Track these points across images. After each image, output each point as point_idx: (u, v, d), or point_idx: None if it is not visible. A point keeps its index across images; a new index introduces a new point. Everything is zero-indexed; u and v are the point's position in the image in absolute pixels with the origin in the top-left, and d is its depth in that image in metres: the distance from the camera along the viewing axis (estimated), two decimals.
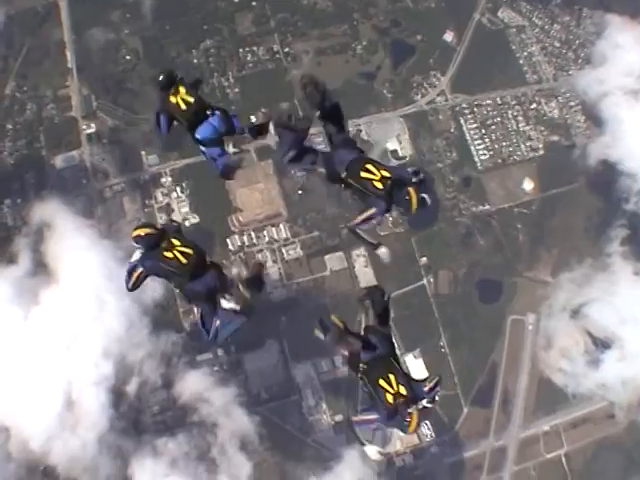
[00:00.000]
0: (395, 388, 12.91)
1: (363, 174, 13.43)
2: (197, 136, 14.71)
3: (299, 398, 45.89)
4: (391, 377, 12.99)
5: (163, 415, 44.55)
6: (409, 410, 12.84)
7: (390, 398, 12.84)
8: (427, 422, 44.82)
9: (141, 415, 44.05)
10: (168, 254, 13.73)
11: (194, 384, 43.89)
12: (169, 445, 43.03)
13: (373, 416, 13.45)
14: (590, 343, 48.68)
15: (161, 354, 43.61)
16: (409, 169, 13.72)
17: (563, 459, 47.37)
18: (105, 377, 41.98)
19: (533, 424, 47.77)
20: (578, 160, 51.21)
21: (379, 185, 13.29)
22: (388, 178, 13.32)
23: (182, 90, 14.69)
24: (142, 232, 13.81)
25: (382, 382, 13.01)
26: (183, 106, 14.68)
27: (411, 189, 13.21)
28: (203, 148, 14.97)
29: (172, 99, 14.70)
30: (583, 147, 51.60)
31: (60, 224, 43.87)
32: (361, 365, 13.50)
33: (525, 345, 48.73)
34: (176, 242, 13.85)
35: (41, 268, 42.89)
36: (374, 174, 13.41)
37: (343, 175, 13.74)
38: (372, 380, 13.21)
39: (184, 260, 13.73)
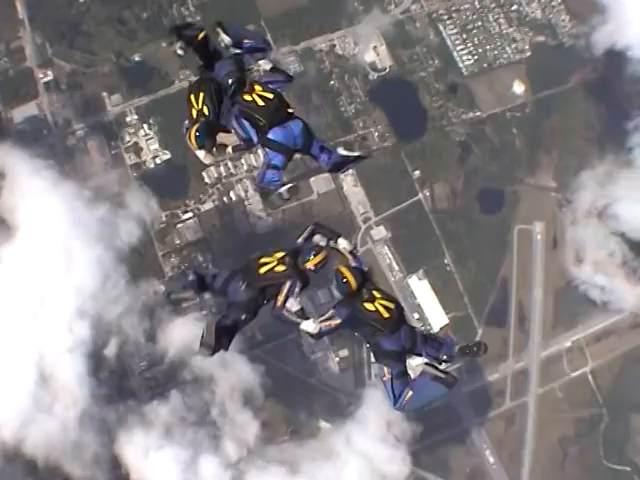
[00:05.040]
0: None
1: None
2: (270, 136, 11.19)
3: (298, 336, 39.34)
4: None
5: (151, 372, 38.28)
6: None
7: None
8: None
9: (125, 379, 37.58)
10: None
11: (182, 334, 36.48)
12: (160, 410, 36.28)
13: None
14: (627, 250, 42.53)
15: (142, 306, 36.85)
16: None
17: (589, 376, 42.70)
18: (81, 341, 35.19)
19: (554, 340, 42.81)
20: (583, 52, 45.02)
21: None
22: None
23: (258, 87, 11.31)
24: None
25: None
26: (261, 102, 11.19)
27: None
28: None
29: (246, 97, 11.18)
30: (586, 37, 45.00)
31: (14, 169, 37.03)
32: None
33: (535, 256, 43.22)
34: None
35: None
36: None
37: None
38: None
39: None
